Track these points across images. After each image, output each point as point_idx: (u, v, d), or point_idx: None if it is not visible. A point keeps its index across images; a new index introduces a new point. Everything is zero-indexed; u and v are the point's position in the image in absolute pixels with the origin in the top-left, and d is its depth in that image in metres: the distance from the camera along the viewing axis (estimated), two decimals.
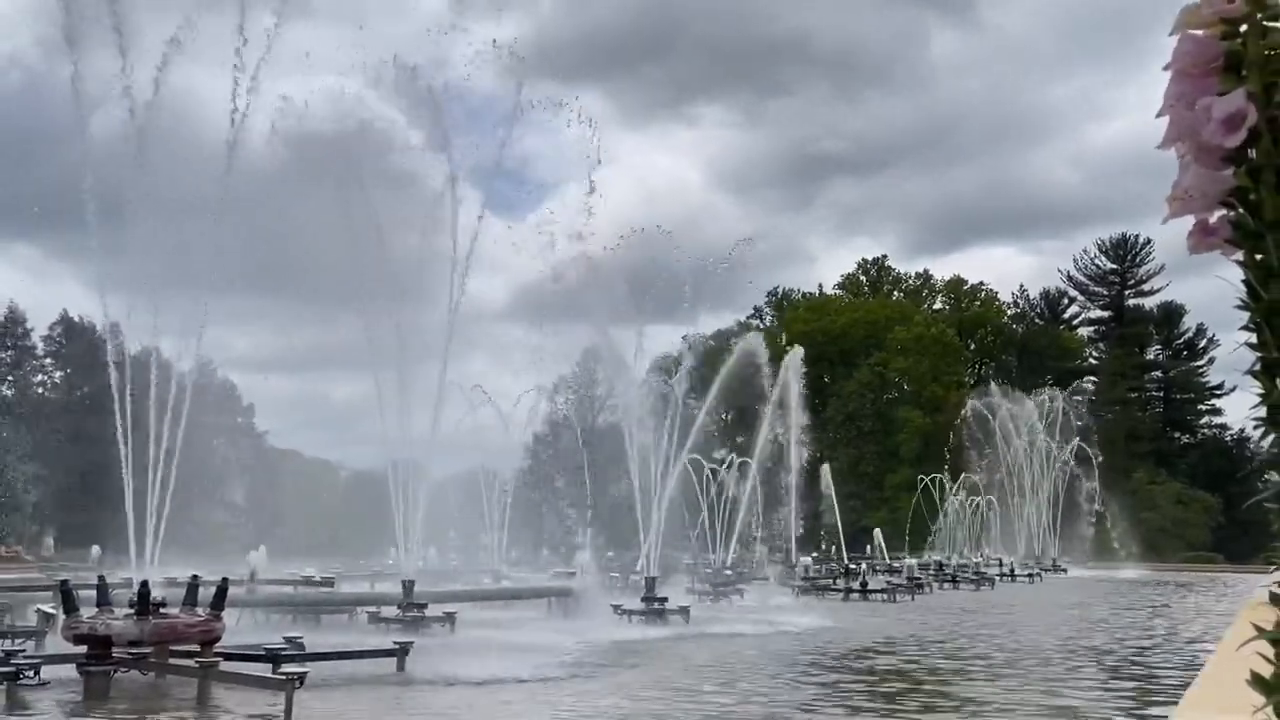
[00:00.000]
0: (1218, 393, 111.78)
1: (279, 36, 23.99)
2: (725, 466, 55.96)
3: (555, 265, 50.90)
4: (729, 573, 43.71)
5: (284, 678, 15.50)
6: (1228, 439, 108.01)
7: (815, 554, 57.58)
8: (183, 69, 22.96)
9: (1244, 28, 0.87)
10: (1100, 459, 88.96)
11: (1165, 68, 0.90)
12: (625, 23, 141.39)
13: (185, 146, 23.33)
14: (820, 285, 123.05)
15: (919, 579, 49.31)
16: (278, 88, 31.61)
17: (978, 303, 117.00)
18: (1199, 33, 0.88)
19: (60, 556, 53.41)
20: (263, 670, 16.96)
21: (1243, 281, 1.04)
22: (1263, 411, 1.06)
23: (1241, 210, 0.97)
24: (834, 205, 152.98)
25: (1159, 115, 0.94)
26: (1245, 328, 1.06)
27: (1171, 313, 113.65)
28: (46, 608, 23.37)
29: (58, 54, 21.65)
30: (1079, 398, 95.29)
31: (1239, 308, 1.07)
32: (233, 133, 22.97)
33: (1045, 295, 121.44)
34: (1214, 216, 0.99)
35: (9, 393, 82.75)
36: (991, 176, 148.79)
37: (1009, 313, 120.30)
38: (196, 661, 17.12)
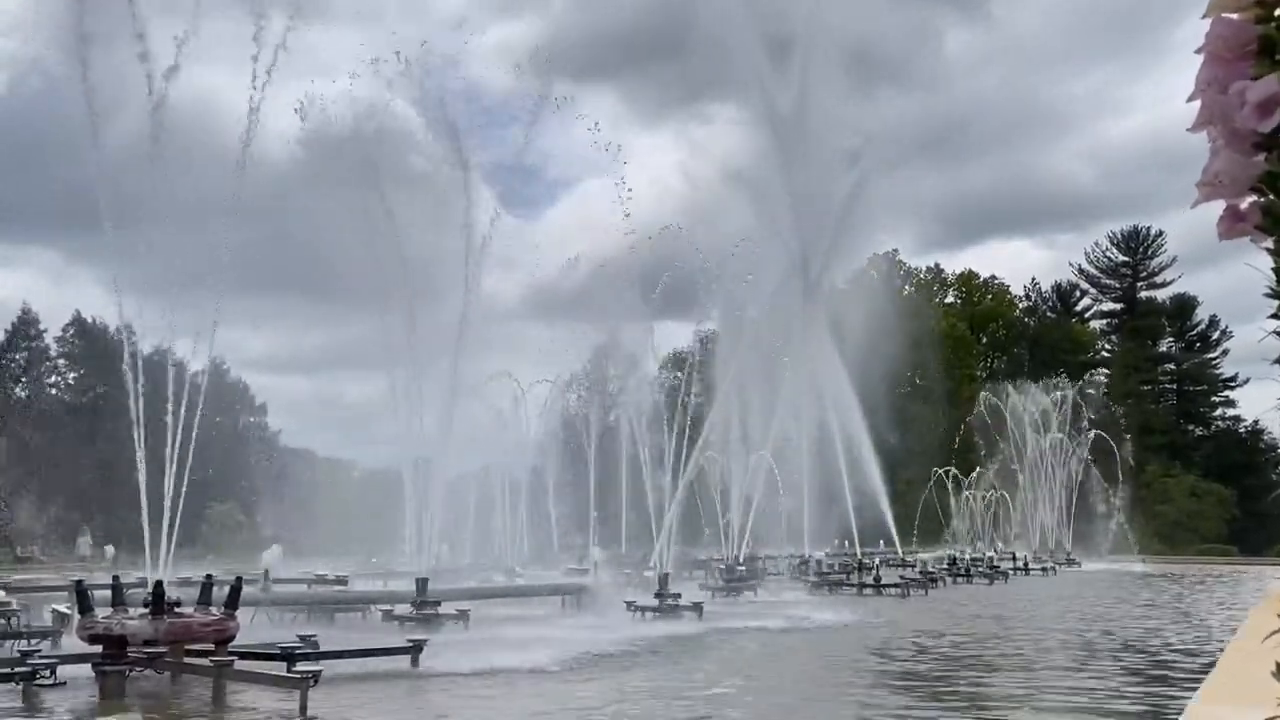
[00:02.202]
0: (1231, 384, 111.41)
1: (295, 38, 23.99)
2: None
3: (569, 263, 51.08)
4: (742, 568, 43.65)
5: (298, 676, 15.55)
6: (1242, 431, 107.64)
7: (828, 549, 57.48)
8: (199, 71, 23.02)
9: (1279, 11, 0.86)
10: (1114, 452, 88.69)
11: (1198, 51, 0.89)
12: (637, 21, 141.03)
13: (201, 148, 23.37)
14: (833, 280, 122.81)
15: (932, 573, 49.22)
16: (295, 89, 31.76)
17: (989, 297, 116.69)
18: (1233, 16, 0.87)
19: (93, 559, 53.37)
20: (277, 669, 16.99)
21: (1272, 269, 1.03)
22: None
23: (1272, 196, 0.96)
24: (851, 203, 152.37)
25: (1190, 100, 0.92)
26: (1275, 315, 1.04)
27: (1184, 305, 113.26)
28: (62, 608, 23.47)
29: (76, 57, 21.64)
30: (1091, 390, 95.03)
31: (1268, 295, 1.05)
32: (248, 135, 22.98)
33: (1057, 288, 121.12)
34: (1244, 202, 0.98)
35: (23, 394, 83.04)
36: (1006, 172, 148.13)
37: (1020, 306, 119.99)
38: (211, 661, 17.16)
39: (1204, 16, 0.87)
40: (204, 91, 22.78)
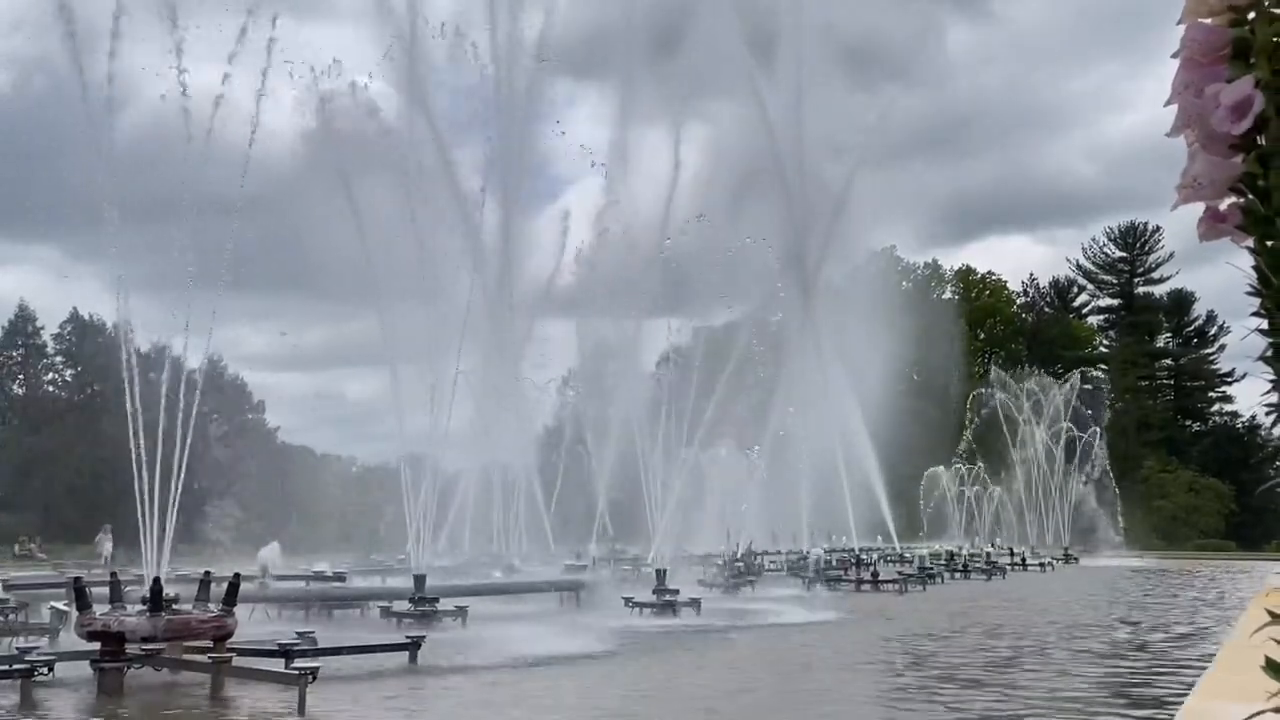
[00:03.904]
0: (1228, 380, 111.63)
1: (296, 35, 24.10)
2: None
3: (566, 261, 51.14)
4: (740, 564, 43.67)
5: (297, 672, 15.54)
6: (1239, 426, 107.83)
7: (826, 545, 57.48)
8: (200, 69, 23.01)
9: (1252, 15, 0.87)
10: (1112, 447, 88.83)
11: (1174, 55, 0.90)
12: (639, 19, 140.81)
13: (201, 146, 23.34)
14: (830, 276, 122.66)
15: (930, 569, 49.23)
16: (295, 87, 31.78)
17: (987, 293, 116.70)
18: (1207, 20, 0.88)
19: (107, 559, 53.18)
20: (275, 665, 16.99)
21: (1253, 268, 1.04)
22: (1275, 398, 1.06)
23: (1251, 196, 0.97)
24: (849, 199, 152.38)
25: (1168, 104, 0.94)
26: (1256, 314, 1.06)
27: (1181, 300, 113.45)
28: (60, 605, 23.46)
29: (82, 56, 21.68)
30: (1089, 386, 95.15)
31: (1250, 294, 1.07)
32: (251, 133, 23.01)
33: (1055, 284, 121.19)
34: (1224, 203, 1.00)
35: (20, 391, 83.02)
36: (1006, 168, 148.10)
37: (1018, 302, 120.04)
38: (209, 657, 17.16)
39: (1179, 23, 0.88)
40: (203, 89, 22.70)
